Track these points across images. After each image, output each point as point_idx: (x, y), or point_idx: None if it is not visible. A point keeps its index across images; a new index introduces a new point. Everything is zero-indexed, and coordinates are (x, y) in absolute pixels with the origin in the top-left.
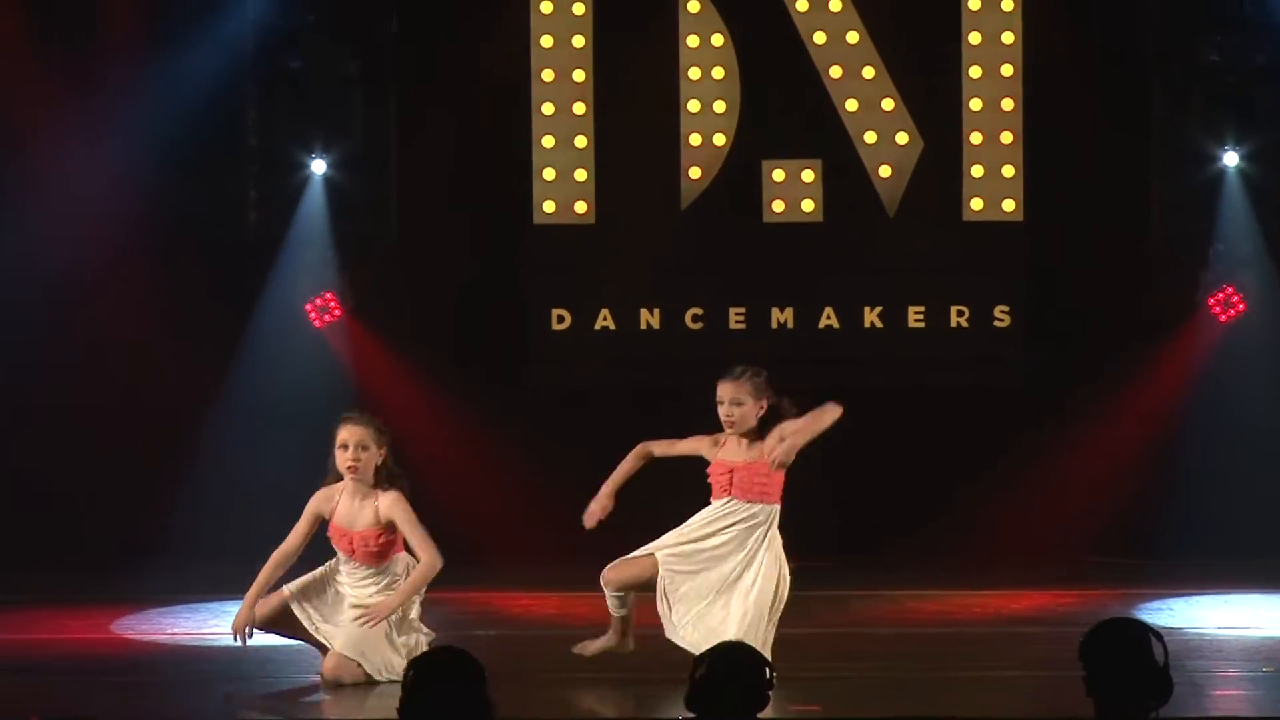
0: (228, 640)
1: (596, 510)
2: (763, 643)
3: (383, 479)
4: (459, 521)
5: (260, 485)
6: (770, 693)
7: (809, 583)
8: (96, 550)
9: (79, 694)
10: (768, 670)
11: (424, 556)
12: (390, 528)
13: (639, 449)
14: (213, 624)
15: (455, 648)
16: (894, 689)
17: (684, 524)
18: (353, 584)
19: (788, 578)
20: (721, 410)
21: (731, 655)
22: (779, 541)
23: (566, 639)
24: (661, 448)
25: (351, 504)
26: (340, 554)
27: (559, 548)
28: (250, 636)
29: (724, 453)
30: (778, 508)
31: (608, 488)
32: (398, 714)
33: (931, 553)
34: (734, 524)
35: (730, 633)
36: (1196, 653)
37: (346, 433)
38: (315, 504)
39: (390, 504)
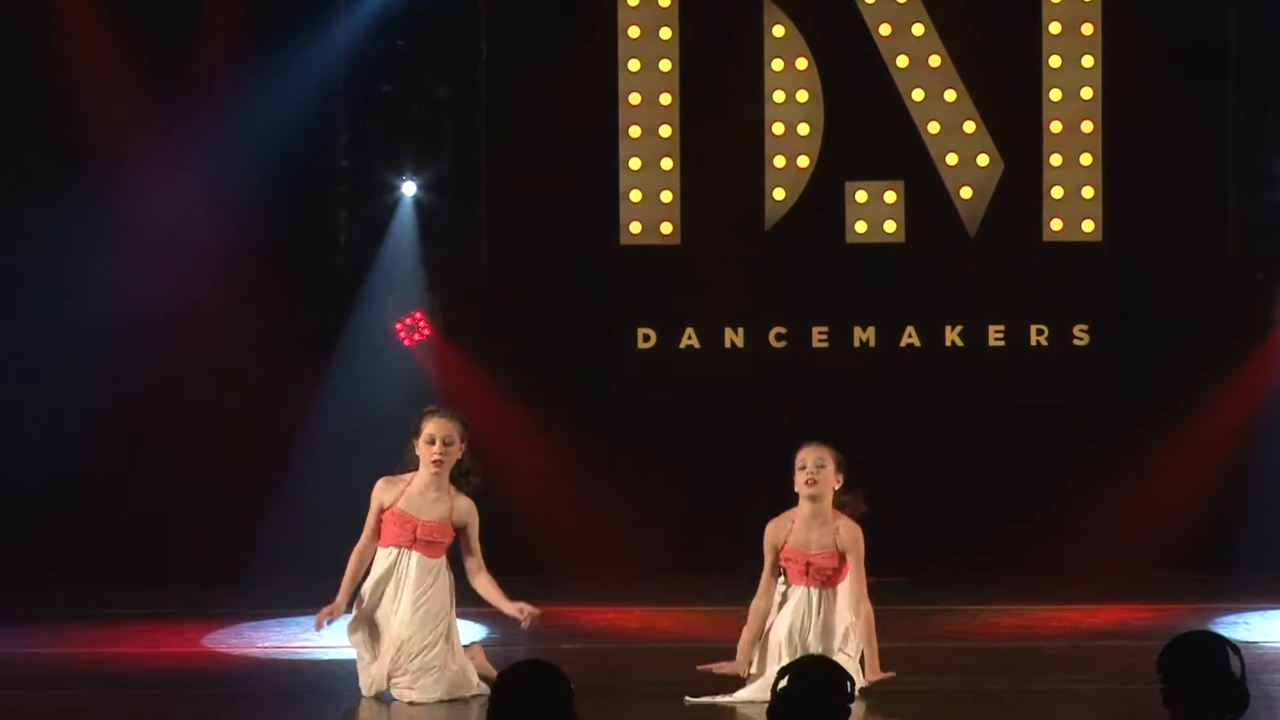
0: (317, 655)
1: (743, 665)
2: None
3: (459, 476)
4: (545, 536)
5: (350, 502)
6: (851, 706)
7: (887, 598)
8: (188, 565)
9: (170, 708)
10: (849, 684)
11: (483, 569)
12: (458, 529)
13: (756, 606)
14: (303, 638)
15: (544, 661)
16: (973, 702)
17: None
18: (410, 588)
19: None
20: (804, 474)
21: (813, 669)
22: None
23: (649, 653)
24: (764, 587)
25: (423, 495)
26: (385, 549)
27: (643, 563)
28: (330, 624)
29: (794, 538)
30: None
31: (745, 647)
32: None
33: (1009, 568)
34: (814, 619)
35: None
36: (1271, 666)
37: (434, 426)
38: (379, 495)
39: (468, 510)
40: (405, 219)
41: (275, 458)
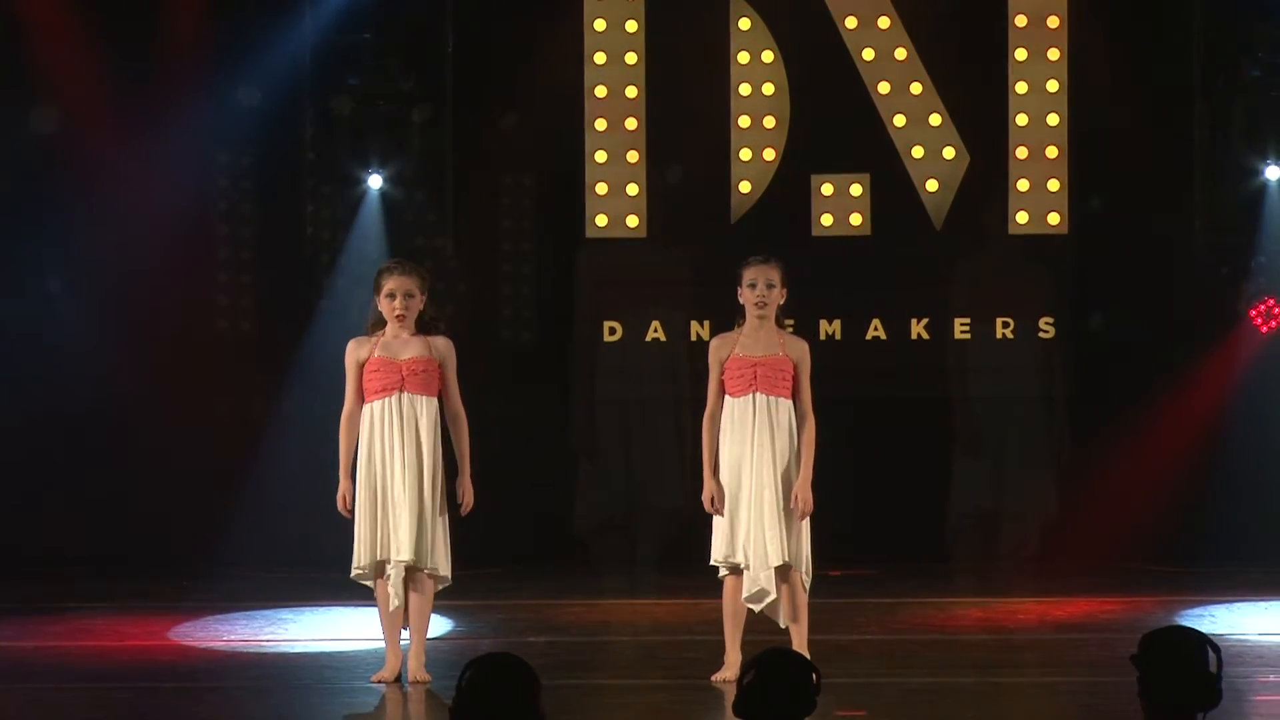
0: (283, 648)
1: (717, 495)
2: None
3: (426, 324)
4: (511, 529)
5: (315, 495)
6: (817, 697)
7: (855, 590)
8: (153, 558)
9: (137, 701)
10: (815, 675)
11: (462, 413)
12: (440, 363)
13: (708, 425)
14: (269, 631)
15: (512, 655)
16: (940, 694)
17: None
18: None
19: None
20: (754, 293)
21: (779, 661)
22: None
23: (613, 646)
24: (713, 404)
25: (393, 342)
26: (374, 401)
27: (607, 556)
28: (352, 506)
29: (741, 348)
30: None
31: (710, 472)
32: (450, 716)
33: (976, 560)
34: (760, 425)
35: (787, 544)
36: (1238, 659)
37: (394, 282)
38: (353, 354)
39: (446, 347)
40: (372, 212)
41: (241, 451)
